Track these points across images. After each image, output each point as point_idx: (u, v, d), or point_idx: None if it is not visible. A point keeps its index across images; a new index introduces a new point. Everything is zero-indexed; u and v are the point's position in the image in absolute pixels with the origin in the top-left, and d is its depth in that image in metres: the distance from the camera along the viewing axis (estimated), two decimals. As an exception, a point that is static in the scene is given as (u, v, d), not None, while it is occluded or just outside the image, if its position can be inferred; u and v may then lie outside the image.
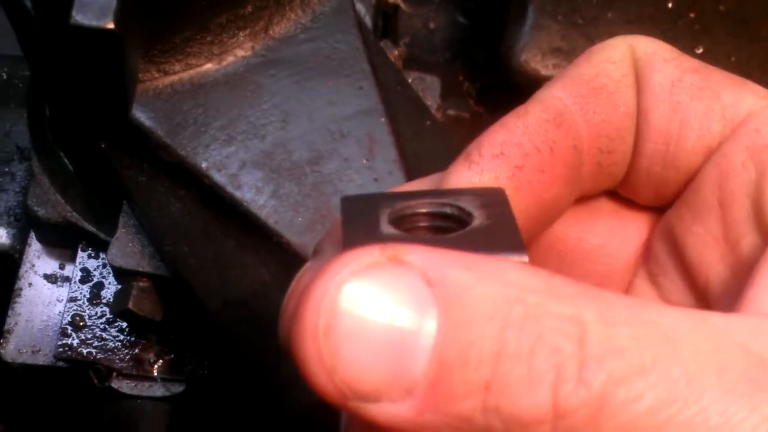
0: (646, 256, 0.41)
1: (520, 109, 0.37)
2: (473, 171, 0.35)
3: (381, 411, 0.27)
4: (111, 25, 0.45)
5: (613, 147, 0.38)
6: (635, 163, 0.39)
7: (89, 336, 0.68)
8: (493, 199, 0.33)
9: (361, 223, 0.31)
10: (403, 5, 0.88)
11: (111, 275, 0.69)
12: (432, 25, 0.94)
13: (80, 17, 0.45)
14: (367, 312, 0.27)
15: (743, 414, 0.26)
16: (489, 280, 0.27)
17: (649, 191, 0.40)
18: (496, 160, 0.35)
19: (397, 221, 0.32)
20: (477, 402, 0.26)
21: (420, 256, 0.27)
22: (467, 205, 0.32)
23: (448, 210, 0.33)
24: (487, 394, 0.26)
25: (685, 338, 0.27)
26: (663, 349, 0.26)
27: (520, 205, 0.35)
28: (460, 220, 0.32)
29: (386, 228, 0.31)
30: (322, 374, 0.27)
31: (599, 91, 0.38)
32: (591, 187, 0.39)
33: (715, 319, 0.28)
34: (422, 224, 0.33)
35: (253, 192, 0.56)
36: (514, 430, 0.26)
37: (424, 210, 0.33)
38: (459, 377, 0.26)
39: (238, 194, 0.56)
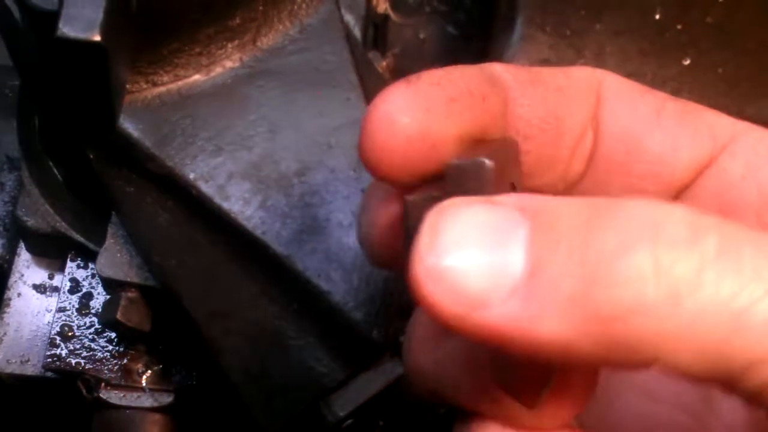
0: None
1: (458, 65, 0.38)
2: (410, 91, 0.36)
3: (493, 314, 0.30)
4: (97, 38, 0.45)
5: (528, 133, 0.39)
6: (627, 183, 0.41)
7: (78, 346, 0.68)
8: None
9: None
10: (393, 15, 0.88)
11: (100, 285, 0.69)
12: (422, 35, 0.94)
13: (67, 29, 0.45)
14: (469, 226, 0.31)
15: None
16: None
17: None
18: (432, 87, 0.36)
19: None
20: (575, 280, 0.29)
21: (511, 198, 0.31)
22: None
23: None
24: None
25: None
26: None
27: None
28: None
29: None
30: (434, 289, 0.30)
31: (536, 83, 0.39)
32: None
33: None
34: None
35: (240, 203, 0.56)
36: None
37: None
38: (554, 261, 0.29)
39: (225, 205, 0.56)
